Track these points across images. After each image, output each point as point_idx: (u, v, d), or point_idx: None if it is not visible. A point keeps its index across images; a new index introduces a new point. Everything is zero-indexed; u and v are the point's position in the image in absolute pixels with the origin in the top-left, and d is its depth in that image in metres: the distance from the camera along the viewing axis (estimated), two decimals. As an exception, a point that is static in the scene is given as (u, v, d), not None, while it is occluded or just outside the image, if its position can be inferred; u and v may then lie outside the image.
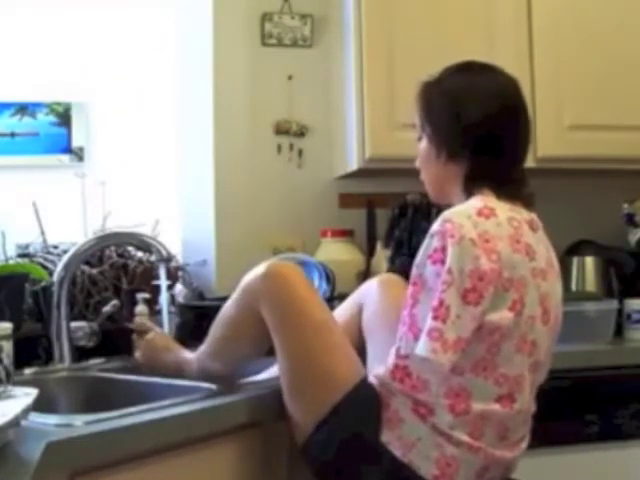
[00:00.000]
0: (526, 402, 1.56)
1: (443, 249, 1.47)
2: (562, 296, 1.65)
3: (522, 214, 1.59)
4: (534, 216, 1.63)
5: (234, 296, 1.70)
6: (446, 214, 1.52)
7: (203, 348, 1.76)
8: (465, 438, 1.48)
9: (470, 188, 1.60)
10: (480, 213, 1.51)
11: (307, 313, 1.60)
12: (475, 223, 1.49)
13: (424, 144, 1.68)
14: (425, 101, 1.68)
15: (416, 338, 1.48)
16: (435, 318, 1.44)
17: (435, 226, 1.51)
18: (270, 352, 1.71)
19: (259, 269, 1.65)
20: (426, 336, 1.45)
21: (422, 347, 1.45)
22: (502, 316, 1.47)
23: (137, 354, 1.93)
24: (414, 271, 1.52)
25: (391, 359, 1.53)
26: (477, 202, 1.55)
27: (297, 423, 1.59)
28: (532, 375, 1.57)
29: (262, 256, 2.23)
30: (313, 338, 1.59)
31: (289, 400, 1.60)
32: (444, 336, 1.43)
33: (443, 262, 1.46)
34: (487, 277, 1.45)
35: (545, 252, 1.61)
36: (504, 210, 1.55)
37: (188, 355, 1.82)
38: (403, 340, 1.51)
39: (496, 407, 1.50)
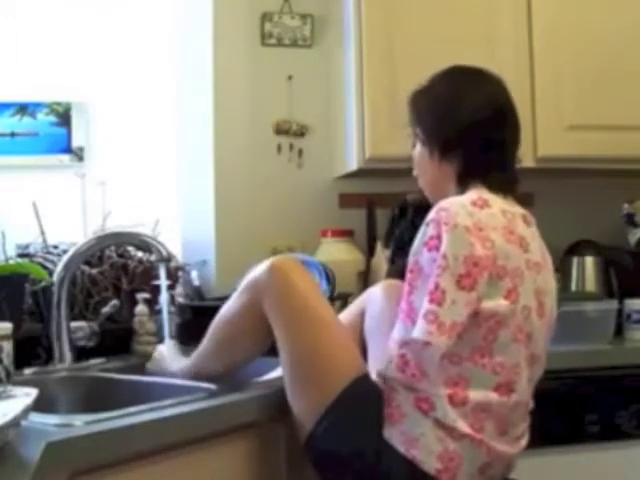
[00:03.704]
0: (524, 394, 1.57)
1: (438, 236, 1.51)
2: (556, 295, 1.67)
3: (515, 208, 1.64)
4: (527, 212, 1.66)
5: (236, 294, 1.71)
6: (441, 203, 1.56)
7: (200, 352, 1.77)
8: (467, 430, 1.49)
9: (464, 185, 1.65)
10: (474, 203, 1.56)
11: (308, 308, 1.62)
12: (469, 212, 1.53)
13: (417, 149, 1.74)
14: (415, 108, 1.74)
15: (414, 324, 1.50)
16: (431, 301, 1.48)
17: (431, 215, 1.55)
18: (272, 352, 1.72)
19: (262, 265, 1.67)
20: (422, 319, 1.48)
21: (418, 330, 1.48)
22: (498, 303, 1.50)
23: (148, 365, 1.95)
24: (410, 259, 1.56)
25: (392, 351, 1.54)
26: (471, 194, 1.60)
27: (299, 418, 1.60)
28: (529, 369, 1.58)
29: (262, 256, 2.23)
30: (314, 332, 1.60)
31: (291, 394, 1.61)
32: (439, 319, 1.46)
33: (438, 248, 1.50)
34: (482, 263, 1.49)
35: (539, 248, 1.64)
36: (497, 202, 1.60)
37: (182, 364, 1.83)
38: (401, 327, 1.53)
39: (494, 396, 1.51)
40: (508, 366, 1.52)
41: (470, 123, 1.64)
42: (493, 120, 1.66)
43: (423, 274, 1.52)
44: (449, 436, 1.49)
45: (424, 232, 1.54)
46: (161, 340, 2.03)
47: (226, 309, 1.73)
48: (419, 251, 1.54)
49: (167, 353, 1.91)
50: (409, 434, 1.50)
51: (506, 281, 1.51)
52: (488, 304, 1.49)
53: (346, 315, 1.86)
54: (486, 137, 1.64)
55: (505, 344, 1.51)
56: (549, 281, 1.64)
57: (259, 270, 1.67)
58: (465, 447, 1.50)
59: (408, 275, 1.55)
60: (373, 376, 1.59)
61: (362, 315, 1.83)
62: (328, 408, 1.55)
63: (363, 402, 1.55)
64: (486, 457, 1.52)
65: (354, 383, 1.56)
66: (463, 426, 1.49)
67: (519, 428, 1.60)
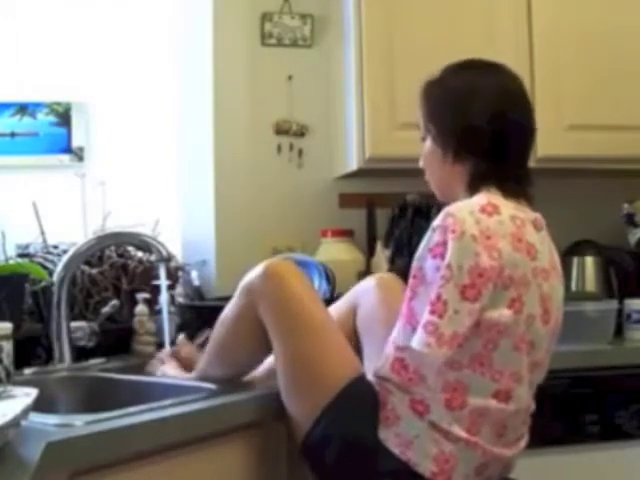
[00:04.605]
0: (524, 401, 1.56)
1: (444, 243, 1.47)
2: (563, 299, 1.65)
3: (526, 213, 1.59)
4: (538, 215, 1.62)
5: (234, 298, 1.70)
6: (449, 209, 1.51)
7: (204, 359, 1.76)
8: (462, 434, 1.48)
9: (476, 187, 1.59)
10: (483, 210, 1.51)
11: (304, 310, 1.61)
12: (477, 219, 1.49)
13: (428, 144, 1.67)
14: (428, 101, 1.67)
15: (414, 330, 1.48)
16: (432, 312, 1.45)
17: (437, 220, 1.51)
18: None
19: (257, 268, 1.66)
20: (422, 329, 1.46)
21: (417, 340, 1.46)
22: (501, 313, 1.47)
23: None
24: (415, 264, 1.53)
25: (389, 351, 1.54)
26: (481, 199, 1.55)
27: (295, 421, 1.59)
28: (530, 375, 1.57)
29: (262, 256, 2.23)
30: (310, 336, 1.59)
31: (287, 398, 1.60)
32: (439, 330, 1.44)
33: (443, 256, 1.46)
34: (487, 274, 1.45)
35: (548, 253, 1.61)
36: (508, 208, 1.55)
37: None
38: (401, 332, 1.52)
39: (492, 402, 1.50)
40: (507, 374, 1.50)
41: (486, 122, 1.57)
42: (509, 116, 1.59)
43: (426, 281, 1.49)
44: (445, 438, 1.48)
45: (430, 238, 1.50)
46: (161, 343, 2.04)
47: (224, 314, 1.72)
48: (423, 257, 1.51)
49: (172, 372, 1.89)
50: (404, 436, 1.50)
51: (511, 290, 1.48)
52: (491, 314, 1.46)
53: (337, 309, 1.83)
54: (503, 136, 1.58)
55: (506, 353, 1.49)
56: (556, 288, 1.61)
57: (254, 273, 1.66)
58: (460, 449, 1.49)
59: (411, 280, 1.53)
60: (369, 377, 1.58)
61: (353, 308, 1.80)
62: (324, 410, 1.54)
63: (359, 403, 1.55)
64: (482, 458, 1.51)
65: (350, 384, 1.56)
66: (458, 430, 1.48)
67: (518, 431, 1.59)
